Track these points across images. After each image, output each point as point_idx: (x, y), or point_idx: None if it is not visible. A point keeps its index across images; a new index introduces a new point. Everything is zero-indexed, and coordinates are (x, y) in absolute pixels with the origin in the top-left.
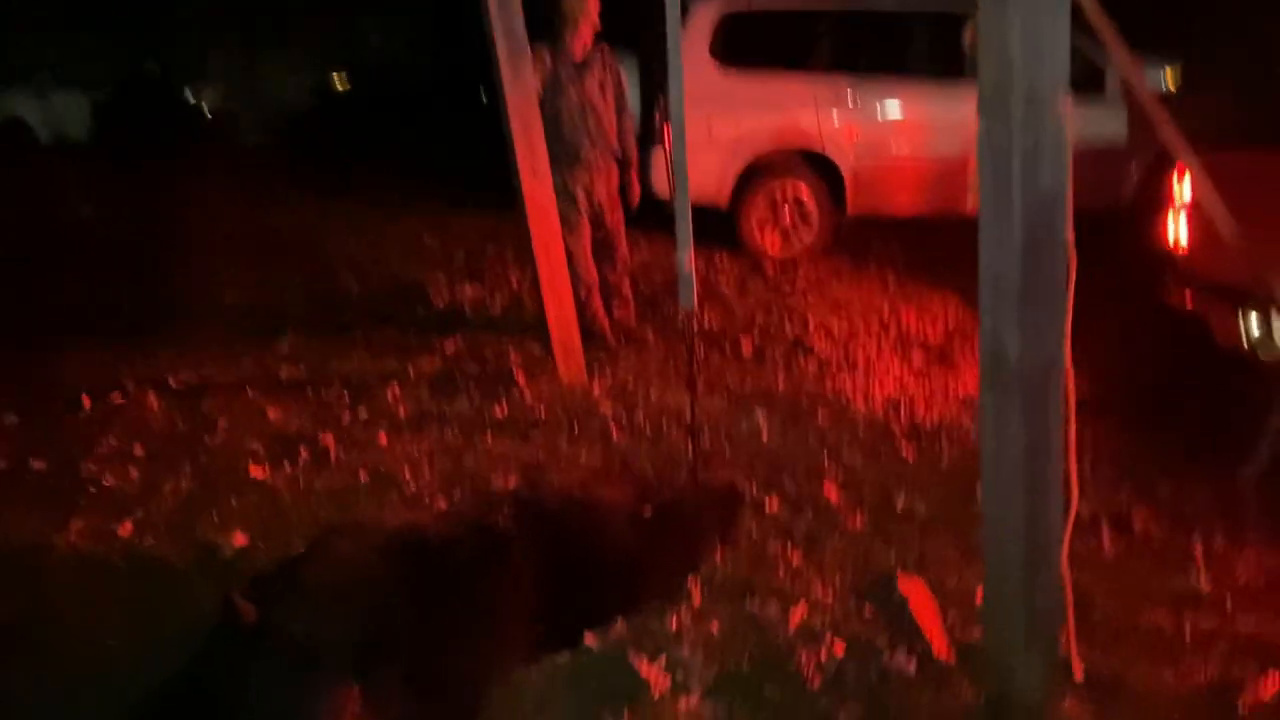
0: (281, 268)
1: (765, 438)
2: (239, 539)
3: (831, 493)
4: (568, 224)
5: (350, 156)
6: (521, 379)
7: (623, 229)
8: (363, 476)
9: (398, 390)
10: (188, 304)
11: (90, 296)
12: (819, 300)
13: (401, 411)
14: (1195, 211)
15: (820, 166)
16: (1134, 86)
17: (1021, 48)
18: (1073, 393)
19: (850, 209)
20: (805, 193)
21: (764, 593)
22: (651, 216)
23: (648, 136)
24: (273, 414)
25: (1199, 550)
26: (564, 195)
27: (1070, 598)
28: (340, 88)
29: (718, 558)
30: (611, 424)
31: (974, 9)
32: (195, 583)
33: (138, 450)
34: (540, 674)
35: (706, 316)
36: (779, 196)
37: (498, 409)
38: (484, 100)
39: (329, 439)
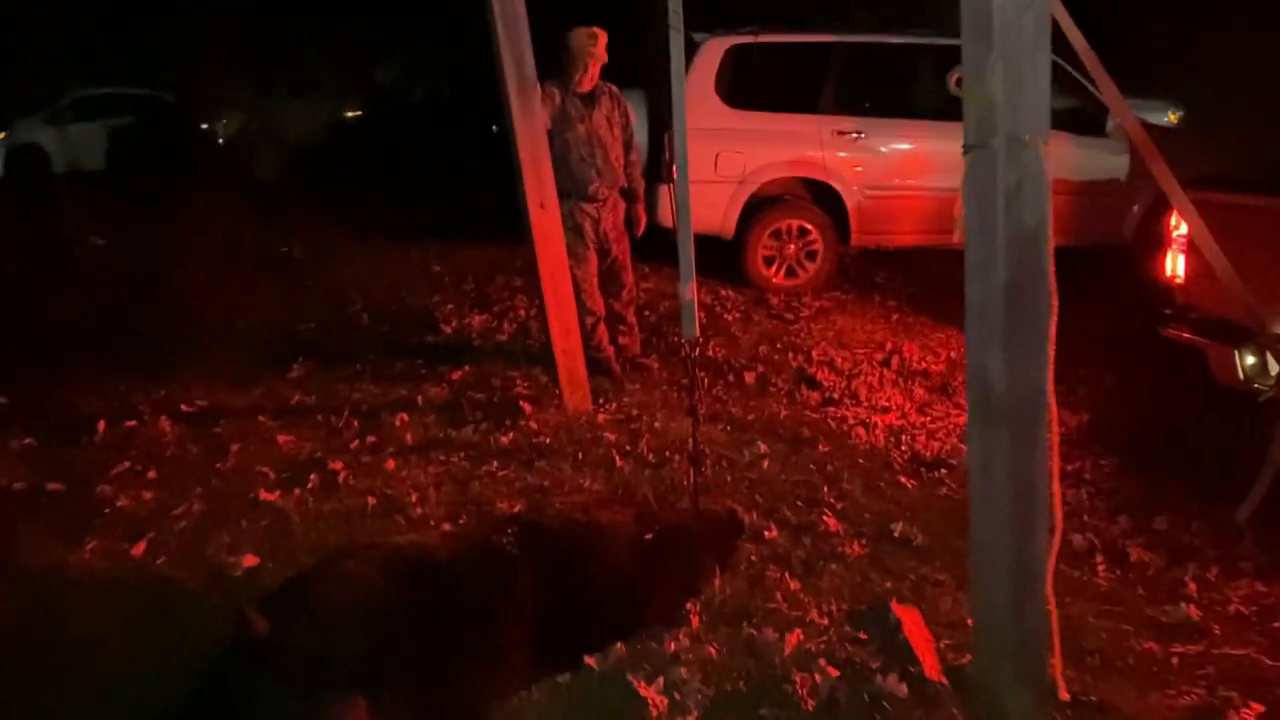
0: (293, 296)
1: (766, 466)
2: (249, 560)
3: (830, 521)
4: (575, 255)
5: (362, 188)
6: (528, 407)
7: (629, 260)
8: (371, 501)
9: (406, 417)
10: (201, 331)
11: (105, 323)
12: (822, 331)
13: (409, 438)
14: (1192, 248)
15: (824, 199)
16: (1127, 126)
17: (1003, 92)
18: (1056, 424)
19: (853, 241)
20: (809, 225)
21: (761, 617)
22: (657, 248)
23: (655, 170)
24: (283, 439)
25: (1192, 581)
26: (571, 227)
27: (1056, 623)
28: (350, 114)
29: (717, 583)
30: (615, 452)
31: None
32: (207, 602)
33: (151, 473)
34: (541, 694)
35: (711, 347)
36: (783, 229)
37: (504, 436)
38: (494, 131)
39: (338, 464)
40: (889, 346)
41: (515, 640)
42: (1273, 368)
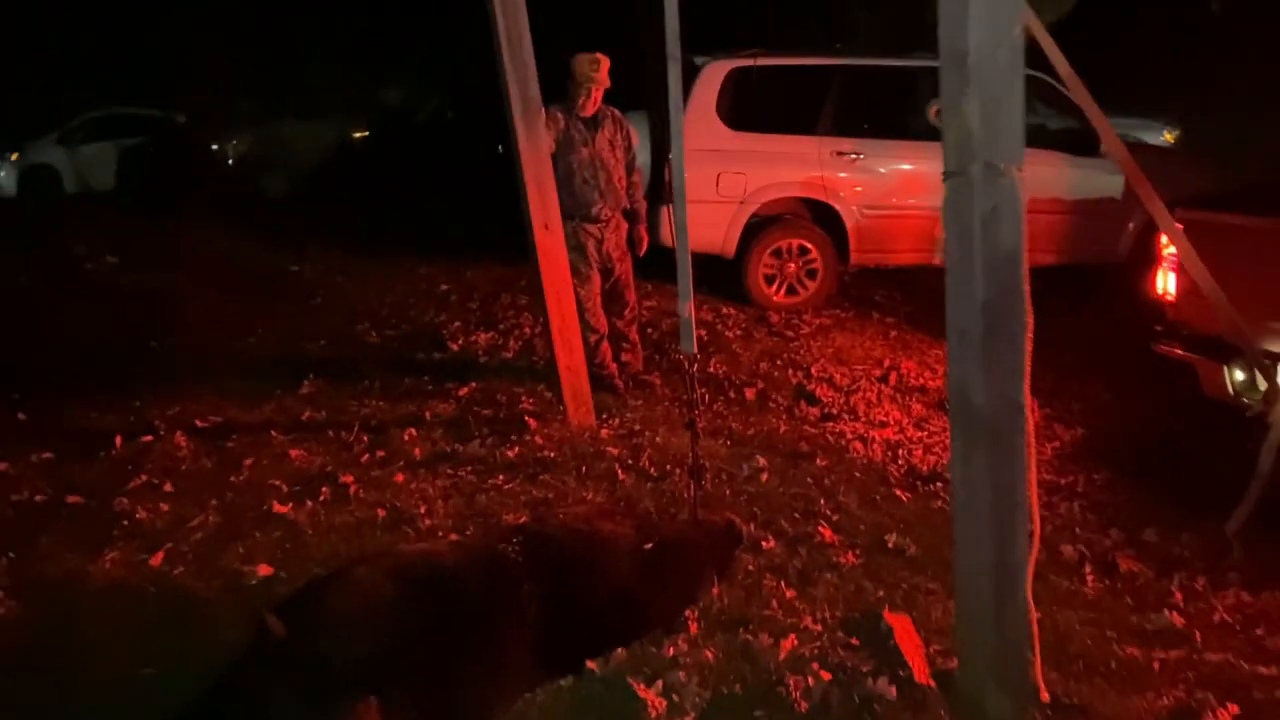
0: (302, 314)
1: (765, 480)
2: (264, 569)
3: (826, 532)
4: (578, 274)
5: (369, 208)
6: (533, 422)
7: (631, 279)
8: (380, 513)
9: (414, 432)
10: (212, 348)
11: (118, 340)
12: (822, 348)
13: (417, 452)
14: (1182, 266)
15: (824, 219)
16: (1110, 148)
17: (979, 122)
18: (1033, 435)
19: (852, 260)
20: (809, 244)
21: (758, 624)
22: (660, 267)
23: (657, 191)
24: (295, 454)
25: (1179, 591)
26: (575, 247)
27: (1036, 626)
28: (357, 135)
29: (715, 591)
30: (618, 466)
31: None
32: (222, 610)
33: (167, 487)
34: (545, 696)
35: (713, 364)
36: (784, 248)
37: (509, 451)
38: (500, 151)
39: (348, 477)
40: (887, 363)
41: (520, 645)
42: (1261, 383)
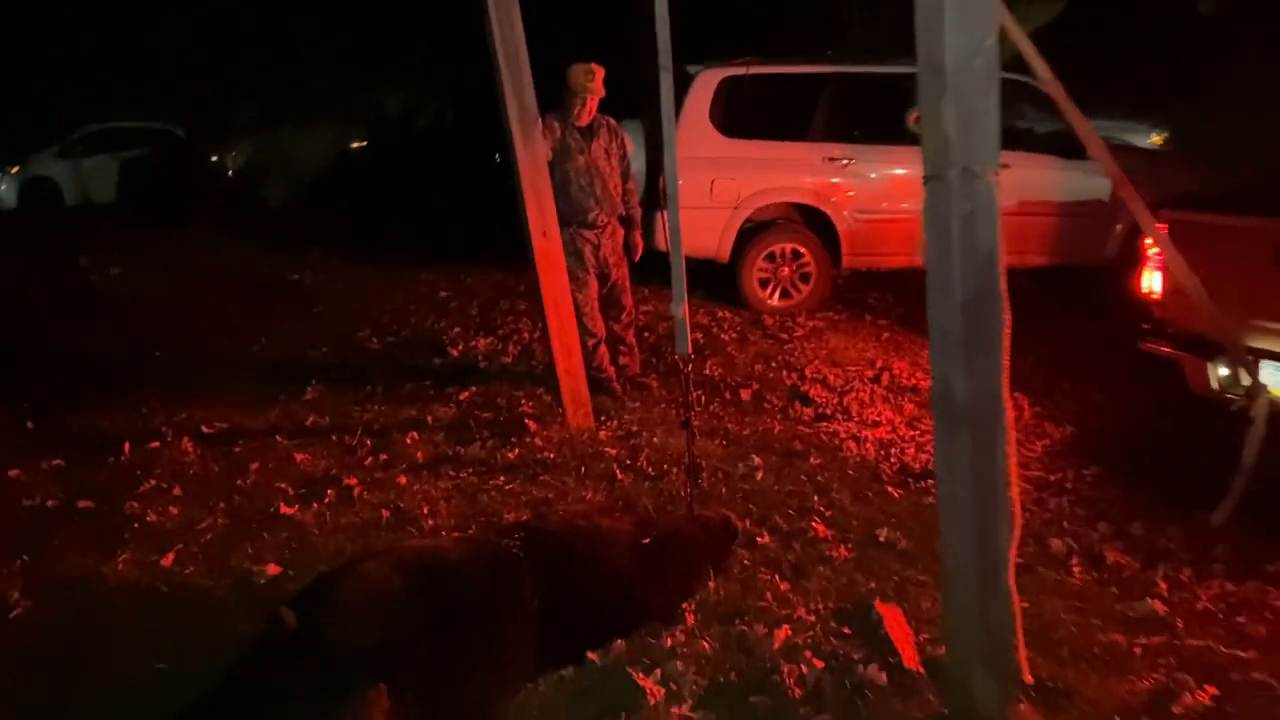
0: (304, 322)
1: (760, 478)
2: (272, 569)
3: (819, 528)
4: (576, 280)
5: (369, 216)
6: (532, 425)
7: (628, 284)
8: (385, 514)
9: (416, 436)
10: (217, 356)
11: (124, 349)
12: (815, 350)
13: (420, 455)
14: (1167, 266)
15: (816, 223)
16: (1093, 152)
17: (956, 128)
18: (1013, 427)
19: (844, 263)
20: (802, 248)
21: (753, 615)
22: (656, 272)
23: (652, 198)
24: (300, 457)
25: (1163, 581)
26: (572, 253)
27: (1019, 612)
28: (355, 145)
29: (711, 585)
30: (616, 466)
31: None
32: (233, 607)
33: (176, 490)
34: (547, 685)
35: (709, 366)
36: (777, 252)
37: (510, 453)
38: (497, 160)
39: (353, 480)
40: (880, 364)
41: (523, 636)
42: (1244, 379)
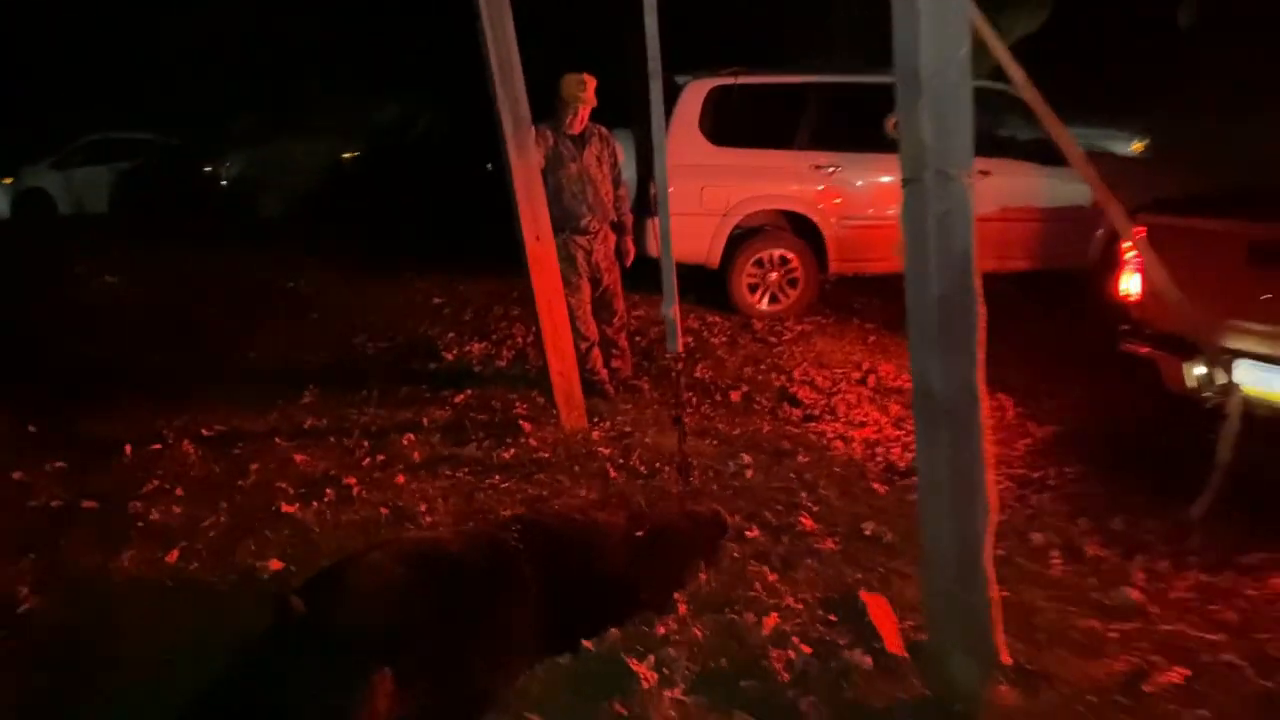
0: (301, 329)
1: (750, 475)
2: (275, 564)
3: (807, 522)
4: (569, 284)
5: (362, 224)
6: (527, 426)
7: (620, 288)
8: (384, 511)
9: (413, 437)
10: (215, 363)
11: (122, 356)
12: (803, 353)
13: (417, 456)
14: (1144, 269)
15: (803, 230)
16: (1070, 158)
17: (932, 133)
18: (988, 417)
19: (831, 268)
20: (790, 254)
21: (743, 605)
22: (646, 277)
23: (643, 204)
24: (299, 458)
25: (1141, 571)
26: (565, 258)
27: (997, 596)
28: (348, 155)
29: (702, 576)
30: (609, 465)
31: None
32: (237, 601)
33: (178, 491)
34: (544, 672)
35: (699, 369)
36: (766, 258)
37: (505, 453)
38: (489, 168)
39: (352, 480)
40: (866, 366)
41: (521, 623)
42: (1218, 377)
